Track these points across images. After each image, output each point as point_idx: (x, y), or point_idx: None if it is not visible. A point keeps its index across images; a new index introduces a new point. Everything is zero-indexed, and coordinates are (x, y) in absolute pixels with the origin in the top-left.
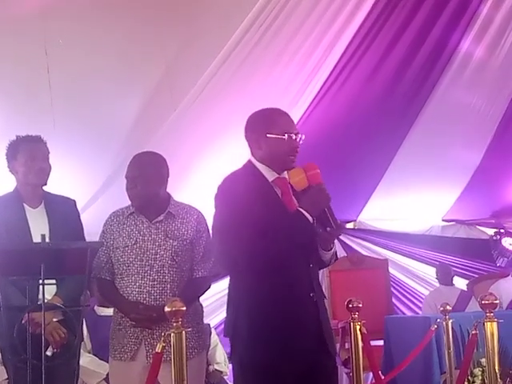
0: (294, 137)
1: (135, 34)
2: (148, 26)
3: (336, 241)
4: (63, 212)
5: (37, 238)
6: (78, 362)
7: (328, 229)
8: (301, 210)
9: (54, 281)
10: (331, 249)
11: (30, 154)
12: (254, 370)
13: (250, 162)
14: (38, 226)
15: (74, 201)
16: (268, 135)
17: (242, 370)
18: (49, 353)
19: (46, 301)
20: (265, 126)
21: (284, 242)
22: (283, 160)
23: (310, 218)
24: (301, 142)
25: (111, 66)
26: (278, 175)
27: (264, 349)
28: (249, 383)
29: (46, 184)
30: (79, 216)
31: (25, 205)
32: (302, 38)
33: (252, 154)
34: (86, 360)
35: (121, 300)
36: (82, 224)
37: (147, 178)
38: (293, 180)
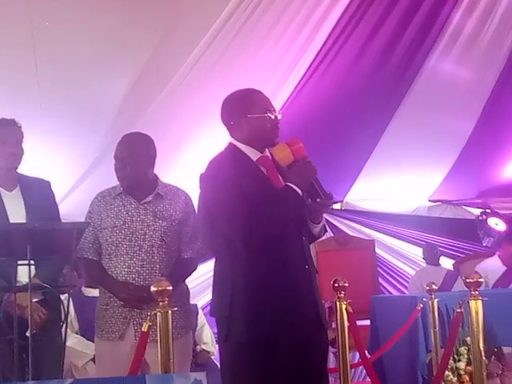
0: (273, 114)
1: (122, 16)
2: (134, 7)
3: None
4: (39, 194)
5: (14, 221)
6: (65, 342)
7: (318, 200)
8: (289, 184)
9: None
10: (320, 221)
11: (1, 139)
12: (254, 345)
13: (231, 144)
14: (15, 209)
15: (49, 182)
16: (249, 115)
17: (240, 347)
18: (28, 334)
19: (24, 283)
20: (244, 107)
21: (277, 217)
22: (267, 137)
23: (299, 192)
24: (280, 117)
25: (98, 48)
26: (261, 154)
27: (265, 324)
28: (246, 360)
29: (17, 167)
30: (54, 197)
31: (0, 188)
32: (289, 19)
33: (232, 136)
34: (74, 341)
35: (110, 280)
36: (57, 206)
37: (137, 158)
38: (278, 156)
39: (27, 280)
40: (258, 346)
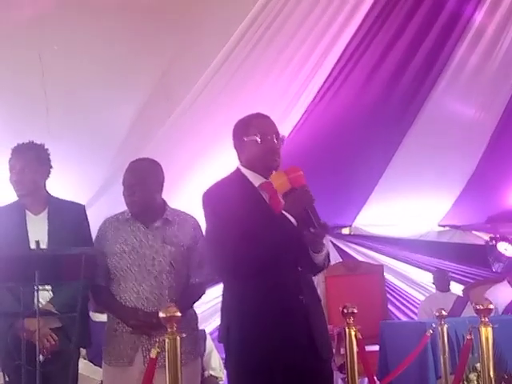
0: (268, 138)
1: (131, 41)
2: (143, 33)
3: (331, 246)
4: (67, 218)
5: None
6: (77, 370)
7: (312, 229)
8: (284, 212)
9: (49, 287)
10: (321, 250)
11: (10, 166)
12: (247, 374)
13: (237, 168)
14: (37, 233)
15: (83, 206)
16: (245, 139)
17: (237, 375)
18: (40, 359)
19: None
20: (242, 130)
21: (267, 245)
22: (262, 162)
23: (292, 220)
24: (280, 141)
25: (107, 73)
26: (264, 179)
27: (254, 353)
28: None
29: (27, 194)
30: (87, 221)
31: (27, 211)
32: (297, 46)
33: (239, 160)
34: (81, 366)
35: (119, 306)
36: (88, 230)
37: (145, 185)
38: (275, 183)
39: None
40: (253, 375)
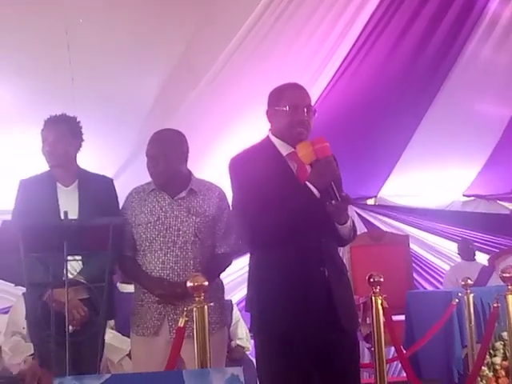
0: (300, 110)
1: (155, 13)
2: (167, 4)
3: (356, 216)
4: (96, 190)
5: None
6: (103, 341)
7: (333, 202)
8: (307, 183)
9: (79, 257)
10: (345, 222)
11: (43, 138)
12: (269, 344)
13: (267, 136)
14: (68, 204)
15: (111, 179)
16: (276, 108)
17: (261, 345)
18: (69, 329)
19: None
20: (274, 100)
21: (285, 215)
22: (289, 132)
23: (315, 191)
24: (311, 114)
25: (131, 45)
26: (293, 149)
27: (273, 323)
28: (266, 355)
29: (59, 165)
30: (115, 194)
31: (58, 183)
32: (322, 14)
33: (270, 128)
34: (109, 336)
35: (145, 276)
36: (117, 203)
37: (168, 155)
38: (300, 154)
39: (73, 275)
40: (276, 343)
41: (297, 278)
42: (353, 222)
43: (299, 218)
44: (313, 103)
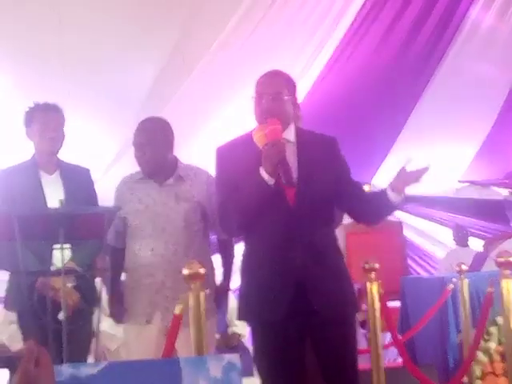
0: (264, 99)
1: (148, 1)
2: None
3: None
4: (78, 180)
5: (51, 204)
6: (98, 325)
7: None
8: (260, 169)
9: (68, 245)
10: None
11: (43, 123)
12: (254, 329)
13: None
14: (53, 193)
15: (88, 169)
16: (252, 97)
17: (251, 330)
18: (61, 317)
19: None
20: (254, 88)
21: (242, 203)
22: (258, 121)
23: (265, 177)
24: (280, 102)
25: (124, 32)
26: None
27: (248, 311)
28: (258, 342)
29: (57, 152)
30: (93, 185)
31: (41, 171)
32: (313, 4)
33: None
34: (106, 324)
35: (115, 283)
36: (95, 193)
37: (154, 144)
38: (254, 138)
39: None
40: (260, 330)
41: (267, 266)
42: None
43: (252, 205)
44: (307, 90)
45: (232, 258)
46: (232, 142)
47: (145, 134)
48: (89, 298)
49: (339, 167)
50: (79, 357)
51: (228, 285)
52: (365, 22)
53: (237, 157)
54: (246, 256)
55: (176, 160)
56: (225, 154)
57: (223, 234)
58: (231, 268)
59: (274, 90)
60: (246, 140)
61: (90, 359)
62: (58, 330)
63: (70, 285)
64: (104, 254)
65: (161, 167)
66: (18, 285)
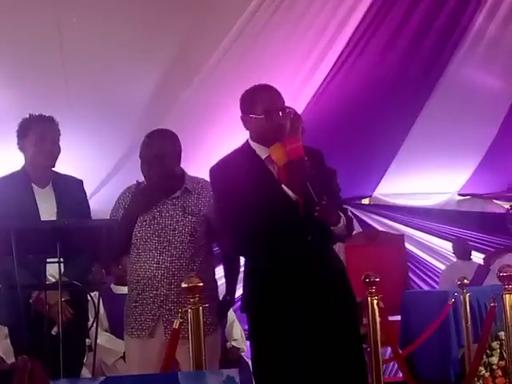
0: (273, 114)
1: (148, 12)
2: (161, 2)
3: (352, 216)
4: (71, 192)
5: (44, 218)
6: (95, 340)
7: (317, 208)
8: (283, 186)
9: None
10: (335, 224)
11: (41, 135)
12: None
13: (246, 141)
14: (46, 206)
15: (81, 181)
16: (250, 115)
17: (253, 348)
18: (54, 332)
19: (53, 280)
20: (247, 106)
21: (259, 219)
22: (269, 137)
23: (290, 194)
24: (286, 114)
25: (125, 45)
26: None
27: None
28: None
29: (53, 166)
30: (86, 196)
31: (33, 184)
32: (316, 11)
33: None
34: (103, 339)
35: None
36: (88, 204)
37: (162, 158)
38: (273, 156)
39: (55, 278)
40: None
41: (279, 283)
42: (350, 218)
43: (276, 221)
44: (308, 101)
45: (237, 274)
46: (227, 157)
47: (151, 147)
48: (82, 313)
49: (326, 180)
50: (71, 372)
51: (232, 299)
52: (366, 33)
53: (239, 171)
54: (257, 273)
55: (183, 172)
56: (224, 171)
57: (231, 250)
58: (236, 283)
59: (281, 105)
60: (244, 153)
61: (86, 373)
62: (50, 345)
63: (63, 299)
64: (101, 266)
65: (168, 180)
66: (9, 299)
